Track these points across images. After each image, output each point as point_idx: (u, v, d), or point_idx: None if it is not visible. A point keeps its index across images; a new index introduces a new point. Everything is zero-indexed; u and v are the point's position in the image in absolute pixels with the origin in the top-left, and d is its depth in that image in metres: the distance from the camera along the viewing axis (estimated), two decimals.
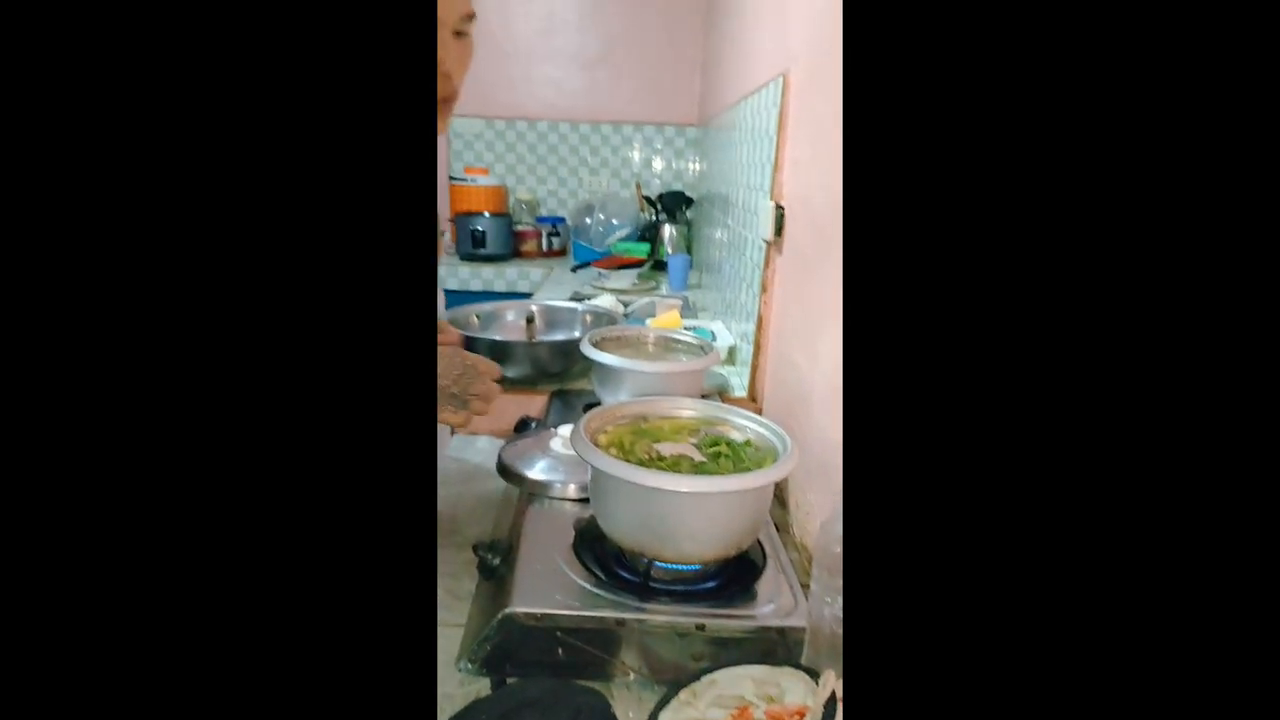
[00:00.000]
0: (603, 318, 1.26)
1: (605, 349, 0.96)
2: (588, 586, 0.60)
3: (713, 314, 1.70)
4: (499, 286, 2.47)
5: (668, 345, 1.02)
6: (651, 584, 0.60)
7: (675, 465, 0.62)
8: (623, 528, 0.61)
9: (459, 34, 0.68)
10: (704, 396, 0.93)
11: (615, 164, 2.92)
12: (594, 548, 0.66)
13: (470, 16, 0.69)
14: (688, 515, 0.58)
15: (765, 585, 0.62)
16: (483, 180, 2.67)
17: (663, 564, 0.61)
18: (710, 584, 0.62)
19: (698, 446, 0.66)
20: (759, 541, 0.67)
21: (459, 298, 2.43)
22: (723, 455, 0.64)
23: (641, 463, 0.60)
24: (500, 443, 0.92)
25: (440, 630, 0.64)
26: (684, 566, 0.62)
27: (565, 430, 0.82)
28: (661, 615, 0.57)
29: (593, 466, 0.60)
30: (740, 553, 0.62)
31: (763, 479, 0.57)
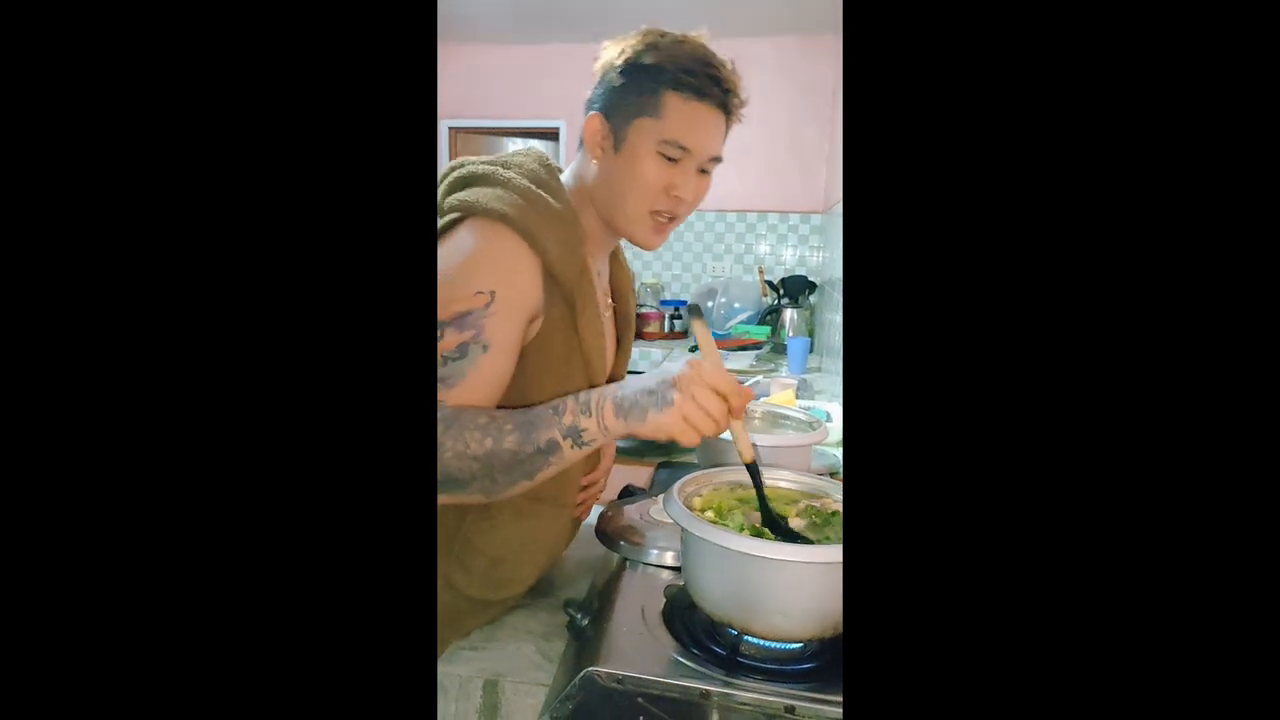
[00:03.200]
0: None
1: None
2: (674, 655, 0.58)
3: (830, 396, 1.65)
4: None
5: (775, 420, 1.00)
6: (740, 658, 0.57)
7: (768, 533, 0.60)
8: (711, 596, 0.59)
9: (702, 171, 0.74)
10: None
11: (739, 250, 2.98)
12: (684, 617, 0.64)
13: (717, 159, 0.75)
14: (778, 586, 0.55)
15: None
16: None
17: (754, 639, 0.58)
18: (805, 665, 0.58)
19: (797, 516, 0.63)
20: None
21: None
22: (821, 526, 0.61)
23: (737, 528, 0.59)
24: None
25: (527, 688, 0.64)
26: (776, 644, 0.58)
27: None
28: (748, 693, 0.54)
29: (683, 529, 0.59)
30: (838, 634, 0.58)
31: None
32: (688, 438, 0.61)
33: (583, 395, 0.64)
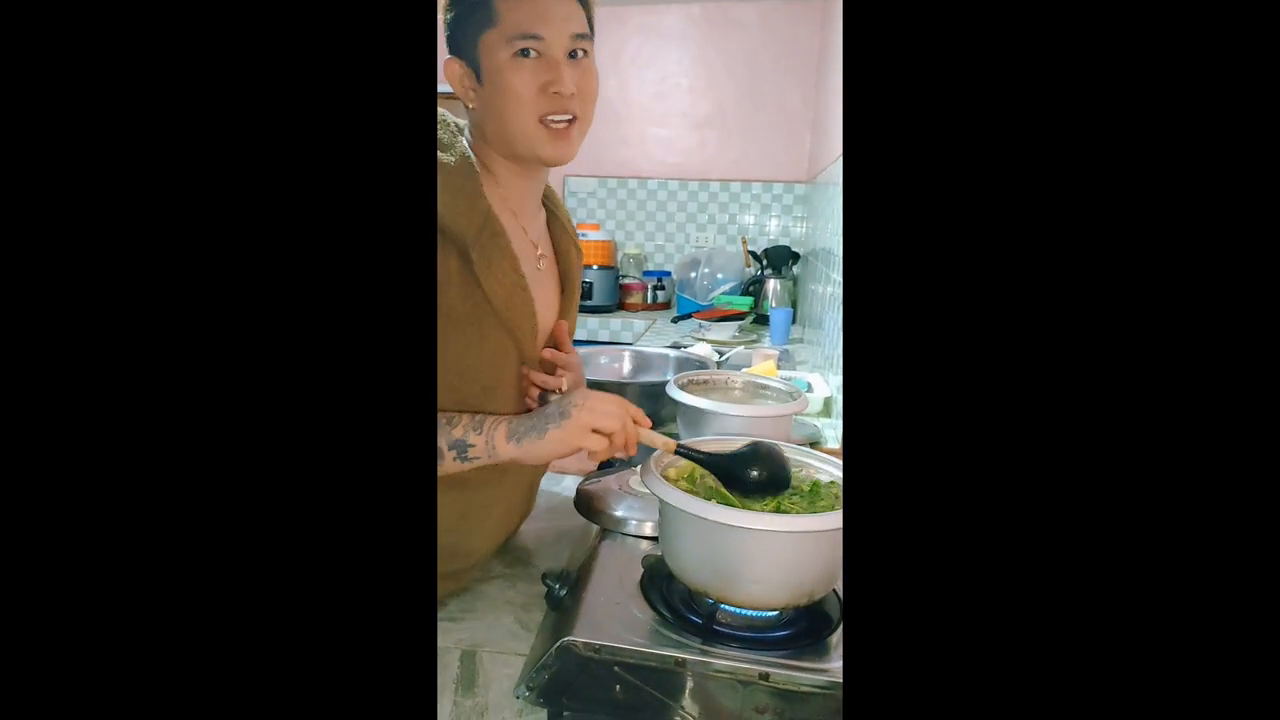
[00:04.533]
0: (694, 364, 1.26)
1: (691, 391, 0.95)
2: (652, 624, 0.58)
3: (812, 366, 1.66)
4: (603, 336, 2.53)
5: (755, 390, 1.00)
6: (716, 627, 0.58)
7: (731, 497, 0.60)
8: (687, 565, 0.59)
9: (574, 56, 0.69)
10: None
11: (722, 220, 2.96)
12: (661, 586, 0.64)
13: (583, 36, 0.69)
14: (754, 555, 0.56)
15: (840, 639, 0.58)
16: (593, 235, 2.78)
17: (730, 607, 0.58)
18: (780, 633, 0.59)
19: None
20: (836, 593, 0.63)
21: None
22: (797, 494, 0.61)
23: (708, 496, 0.59)
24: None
25: (505, 658, 0.64)
26: (753, 612, 0.59)
27: None
28: (724, 660, 0.54)
29: (660, 499, 0.59)
30: (813, 602, 0.59)
31: (836, 521, 0.54)
32: (593, 442, 0.63)
33: (480, 415, 0.65)
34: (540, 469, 0.84)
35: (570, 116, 0.69)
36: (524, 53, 0.66)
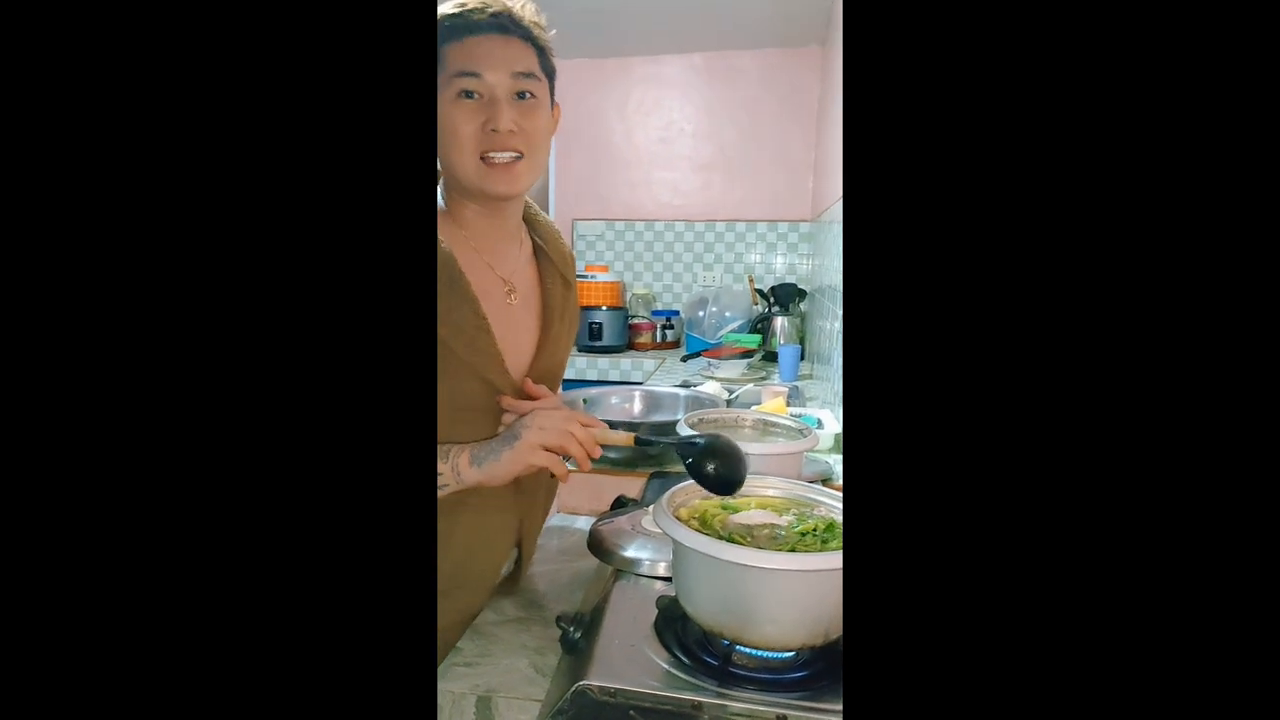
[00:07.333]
0: (705, 402, 1.26)
1: (703, 430, 0.96)
2: (667, 667, 0.58)
3: (822, 403, 1.66)
4: (613, 376, 2.54)
5: (765, 428, 1.00)
6: (732, 668, 0.57)
7: (755, 538, 0.60)
8: (701, 605, 0.59)
9: (522, 96, 0.70)
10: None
11: (729, 259, 2.99)
12: (676, 628, 0.64)
13: (528, 75, 0.70)
14: (769, 595, 0.56)
15: None
16: (602, 277, 2.82)
17: (746, 649, 0.58)
18: (797, 674, 0.58)
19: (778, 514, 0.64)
20: None
21: (574, 386, 2.53)
22: (809, 533, 0.61)
23: (721, 536, 0.59)
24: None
25: (521, 704, 0.64)
26: (769, 653, 0.58)
27: None
28: (741, 702, 0.54)
29: (673, 540, 0.59)
30: (829, 642, 0.58)
31: None
32: (544, 459, 0.65)
33: (445, 445, 0.67)
34: (554, 480, 0.85)
35: (514, 154, 0.70)
36: (466, 94, 0.68)
